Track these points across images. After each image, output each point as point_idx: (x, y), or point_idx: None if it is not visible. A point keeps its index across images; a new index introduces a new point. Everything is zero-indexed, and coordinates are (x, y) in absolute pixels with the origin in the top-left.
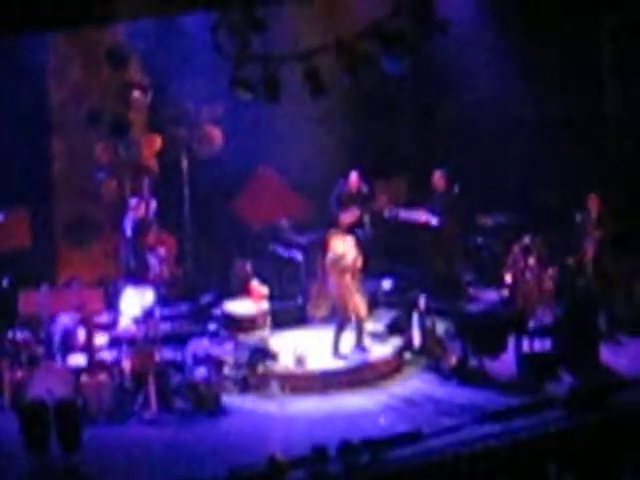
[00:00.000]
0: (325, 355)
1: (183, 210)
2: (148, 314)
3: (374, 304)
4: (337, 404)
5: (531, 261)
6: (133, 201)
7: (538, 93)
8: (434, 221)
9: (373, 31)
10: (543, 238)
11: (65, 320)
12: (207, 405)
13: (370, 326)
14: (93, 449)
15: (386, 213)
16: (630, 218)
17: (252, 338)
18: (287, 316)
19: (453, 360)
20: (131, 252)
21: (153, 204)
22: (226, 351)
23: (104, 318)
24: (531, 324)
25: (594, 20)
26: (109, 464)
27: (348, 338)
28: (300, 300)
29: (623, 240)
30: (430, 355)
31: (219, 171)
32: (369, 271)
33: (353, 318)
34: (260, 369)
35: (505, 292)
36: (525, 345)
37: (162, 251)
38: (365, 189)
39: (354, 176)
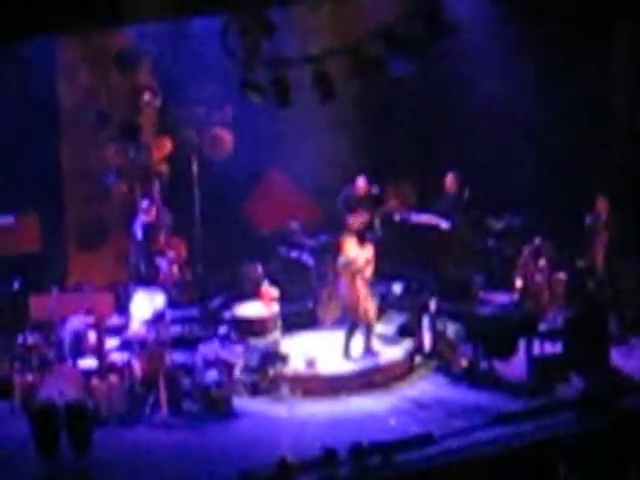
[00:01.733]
0: (336, 358)
1: (193, 213)
2: (158, 317)
3: (385, 307)
4: (347, 407)
5: (541, 264)
6: (144, 204)
7: (548, 95)
8: (444, 224)
9: (382, 34)
10: (553, 241)
11: (76, 323)
12: (218, 408)
13: (381, 329)
14: (103, 452)
15: (396, 216)
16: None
17: (262, 341)
18: (298, 319)
19: (464, 363)
20: (141, 255)
21: (163, 207)
22: (236, 354)
23: (115, 321)
24: (542, 327)
25: (607, 23)
26: (119, 467)
27: (359, 341)
28: (310, 303)
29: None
30: (441, 358)
31: (229, 174)
32: (380, 274)
33: (362, 321)
34: (271, 372)
35: (516, 295)
36: (536, 348)
37: (172, 254)
38: (376, 191)
39: (361, 181)
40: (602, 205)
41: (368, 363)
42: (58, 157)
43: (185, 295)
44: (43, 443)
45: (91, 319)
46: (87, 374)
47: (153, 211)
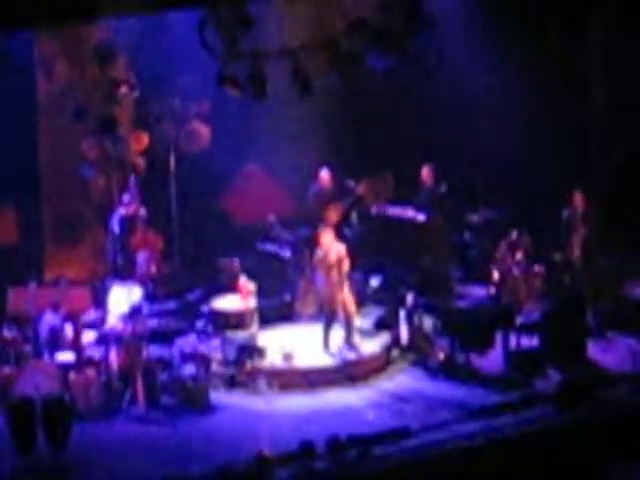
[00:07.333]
0: (313, 352)
1: (170, 207)
2: (135, 311)
3: (362, 301)
4: (325, 400)
5: (518, 257)
6: (126, 198)
7: (525, 92)
8: (421, 217)
9: (360, 27)
10: (530, 234)
11: (52, 317)
12: (195, 402)
13: (358, 323)
14: (81, 446)
15: (373, 210)
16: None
17: (240, 335)
18: (275, 313)
19: (441, 356)
20: (118, 249)
21: (140, 201)
22: (214, 348)
23: (92, 315)
24: (518, 320)
25: (582, 23)
26: (97, 461)
27: (338, 335)
28: (288, 297)
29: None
30: (418, 351)
31: (206, 168)
32: (357, 268)
33: (341, 315)
34: (248, 366)
35: (492, 288)
36: (512, 341)
37: (149, 248)
38: (351, 185)
39: (324, 173)
40: (579, 200)
41: (345, 357)
42: (36, 150)
43: (162, 289)
44: (20, 437)
45: (68, 313)
46: (64, 368)
47: (133, 205)
